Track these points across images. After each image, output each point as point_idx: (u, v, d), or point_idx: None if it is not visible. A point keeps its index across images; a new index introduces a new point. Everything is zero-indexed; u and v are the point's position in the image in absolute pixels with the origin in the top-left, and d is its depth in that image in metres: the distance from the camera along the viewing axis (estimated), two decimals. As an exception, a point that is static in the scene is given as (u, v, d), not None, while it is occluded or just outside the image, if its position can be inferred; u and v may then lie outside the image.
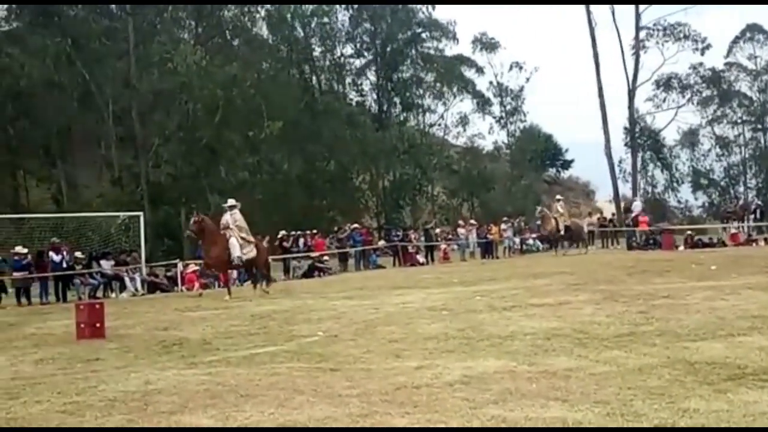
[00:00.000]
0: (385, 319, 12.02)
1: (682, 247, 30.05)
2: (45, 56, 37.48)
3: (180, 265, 24.73)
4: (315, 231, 30.28)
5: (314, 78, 48.26)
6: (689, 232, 32.80)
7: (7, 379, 8.57)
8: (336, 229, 31.82)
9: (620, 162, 49.93)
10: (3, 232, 24.24)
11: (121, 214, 27.99)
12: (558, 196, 32.13)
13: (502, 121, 54.20)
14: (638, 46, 47.90)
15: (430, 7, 50.39)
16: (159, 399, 7.06)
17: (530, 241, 34.97)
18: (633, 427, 5.69)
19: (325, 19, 46.16)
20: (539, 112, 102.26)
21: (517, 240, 34.36)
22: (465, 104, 53.95)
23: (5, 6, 41.83)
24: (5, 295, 21.85)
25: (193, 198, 38.53)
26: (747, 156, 53.78)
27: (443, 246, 32.13)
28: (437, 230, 33.59)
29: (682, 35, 49.65)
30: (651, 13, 50.51)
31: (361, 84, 51.42)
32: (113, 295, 22.72)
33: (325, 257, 28.22)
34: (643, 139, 51.44)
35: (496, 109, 54.00)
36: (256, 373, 8.11)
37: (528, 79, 52.90)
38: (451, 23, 51.01)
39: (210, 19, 41.92)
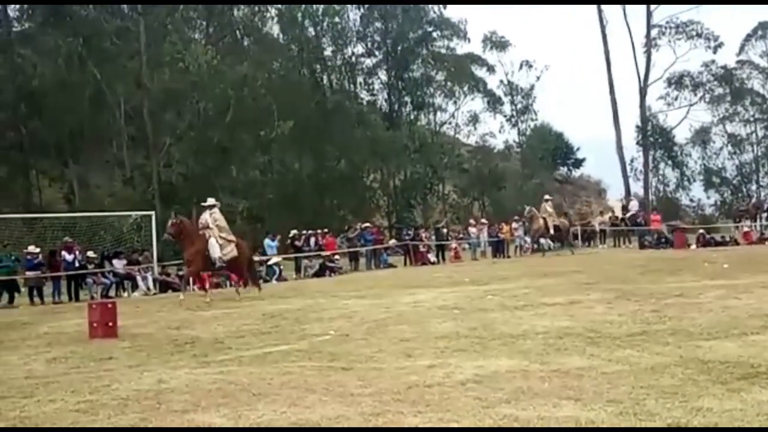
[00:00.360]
0: (397, 318, 12.02)
1: (694, 246, 29.92)
2: (57, 56, 37.72)
3: (191, 264, 24.74)
4: (326, 230, 30.29)
5: (325, 77, 48.29)
6: (701, 231, 32.66)
7: (20, 378, 8.61)
8: (346, 228, 31.80)
9: (632, 160, 49.87)
10: (16, 232, 24.38)
11: (132, 213, 28.11)
12: (546, 196, 31.96)
13: (512, 119, 54.13)
14: (650, 44, 47.81)
15: (441, 6, 50.41)
16: (172, 398, 7.09)
17: (542, 240, 34.85)
18: (646, 426, 5.67)
19: (336, 19, 46.17)
20: (550, 110, 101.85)
21: (528, 239, 34.25)
22: (476, 103, 53.97)
23: (17, 6, 42.09)
24: (18, 295, 21.96)
25: (204, 197, 38.57)
26: (759, 154, 53.46)
27: (454, 245, 32.10)
28: (443, 226, 33.38)
29: (694, 33, 49.48)
30: (663, 11, 50.25)
31: (372, 83, 51.46)
32: (125, 294, 22.79)
33: (336, 256, 28.23)
34: (655, 137, 51.26)
35: (506, 107, 53.98)
36: (268, 372, 8.13)
37: (538, 78, 52.83)
38: (462, 22, 51.09)
39: (221, 18, 42.04)
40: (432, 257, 30.72)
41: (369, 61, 51.12)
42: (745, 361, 7.60)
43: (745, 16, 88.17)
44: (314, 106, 42.99)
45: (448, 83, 51.99)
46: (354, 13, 48.99)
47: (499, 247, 32.46)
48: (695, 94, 52.42)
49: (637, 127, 49.72)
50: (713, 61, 51.68)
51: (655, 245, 31.01)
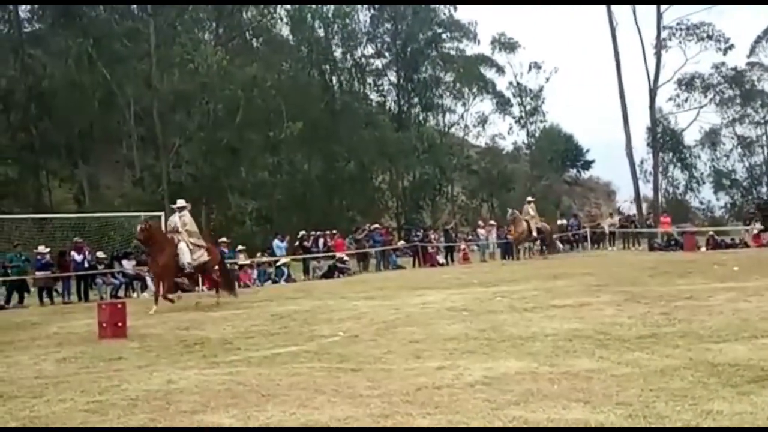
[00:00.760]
0: (406, 320, 12.01)
1: (704, 248, 29.83)
2: (67, 57, 37.86)
3: (201, 265, 24.78)
4: (335, 231, 30.31)
5: (334, 78, 48.34)
6: (711, 233, 32.54)
7: (30, 378, 8.64)
8: (354, 229, 31.82)
9: (642, 162, 49.71)
10: (26, 232, 24.42)
11: (142, 214, 28.06)
12: (529, 198, 31.84)
13: (521, 121, 54.09)
14: (660, 46, 47.67)
15: (451, 7, 50.42)
16: (181, 398, 7.10)
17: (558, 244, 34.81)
18: (655, 428, 5.66)
19: (347, 20, 46.25)
20: (560, 112, 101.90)
21: (537, 241, 34.17)
22: (485, 104, 53.99)
23: (28, 7, 42.28)
24: (28, 295, 22.05)
25: (213, 198, 38.76)
26: (769, 156, 53.32)
27: (463, 246, 32.06)
28: (452, 228, 33.33)
29: (704, 35, 49.33)
30: (673, 13, 50.18)
31: (381, 84, 51.51)
32: (135, 294, 22.83)
33: (345, 257, 28.23)
34: (664, 139, 51.13)
35: (515, 109, 53.96)
36: (277, 373, 8.13)
37: (548, 79, 52.82)
38: (472, 24, 51.08)
39: (230, 19, 42.11)
40: (441, 259, 30.70)
41: (378, 62, 51.26)
42: (755, 364, 7.56)
43: (755, 18, 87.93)
44: (323, 107, 43.08)
45: (457, 84, 51.99)
46: (364, 15, 49.12)
47: (507, 249, 32.39)
48: (705, 96, 52.29)
49: (648, 129, 49.58)
50: (723, 63, 51.57)
51: (665, 247, 30.93)
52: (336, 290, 18.89)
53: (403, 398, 6.74)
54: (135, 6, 42.67)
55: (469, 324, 11.07)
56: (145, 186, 38.75)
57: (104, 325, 11.74)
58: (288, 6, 44.94)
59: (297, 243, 28.04)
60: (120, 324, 11.76)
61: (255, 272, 25.59)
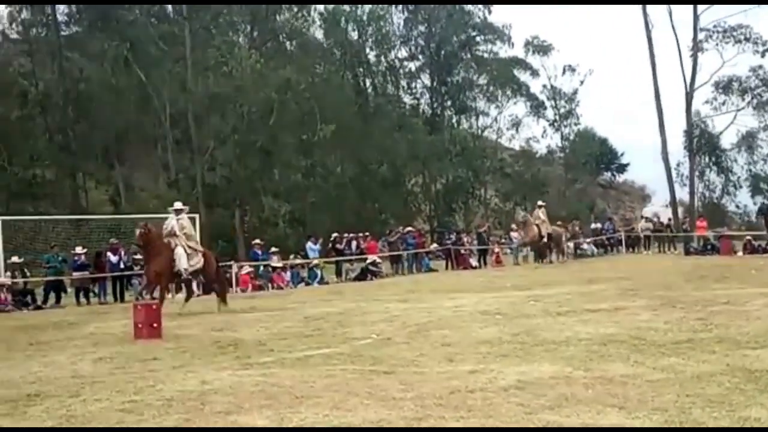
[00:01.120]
0: (438, 323, 11.99)
1: (741, 253, 29.44)
2: (104, 60, 38.33)
3: (235, 267, 25.00)
4: (367, 234, 30.33)
5: (367, 81, 48.43)
6: (748, 238, 32.09)
7: (67, 377, 8.74)
8: (387, 231, 31.83)
9: (678, 165, 49.13)
10: (63, 233, 24.77)
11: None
12: (540, 203, 31.52)
13: (555, 124, 53.77)
14: (696, 49, 47.08)
15: (485, 10, 50.27)
16: (215, 399, 7.13)
17: (584, 246, 34.58)
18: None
19: (381, 23, 46.35)
20: (594, 115, 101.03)
21: (571, 244, 33.99)
22: (518, 107, 53.72)
23: (66, 10, 42.87)
24: (65, 295, 22.34)
25: (247, 200, 38.99)
26: (808, 160, 52.37)
27: (496, 249, 31.94)
28: (485, 231, 33.10)
29: (742, 37, 48.61)
30: (709, 15, 49.53)
31: (415, 87, 51.51)
32: (169, 295, 22.97)
33: (378, 260, 28.24)
34: (701, 142, 50.50)
35: (549, 112, 53.64)
36: (311, 374, 8.14)
37: (582, 82, 52.42)
38: (506, 27, 50.88)
39: (265, 23, 42.34)
40: (474, 262, 30.61)
41: (412, 65, 51.25)
42: (794, 370, 7.46)
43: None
44: (356, 109, 43.17)
45: (491, 87, 51.84)
46: (398, 17, 49.18)
47: (541, 253, 32.17)
48: (743, 99, 51.50)
49: (685, 132, 48.98)
50: (761, 66, 50.73)
51: (701, 252, 30.58)
52: (369, 293, 18.91)
53: (436, 401, 6.72)
54: (171, 9, 43.08)
55: (503, 327, 11.02)
56: (180, 188, 39.06)
57: (140, 325, 11.84)
58: (321, 8, 45.18)
59: (330, 245, 28.11)
60: (155, 325, 11.86)
61: (288, 274, 25.70)
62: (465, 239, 32.16)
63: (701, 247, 31.55)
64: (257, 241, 28.05)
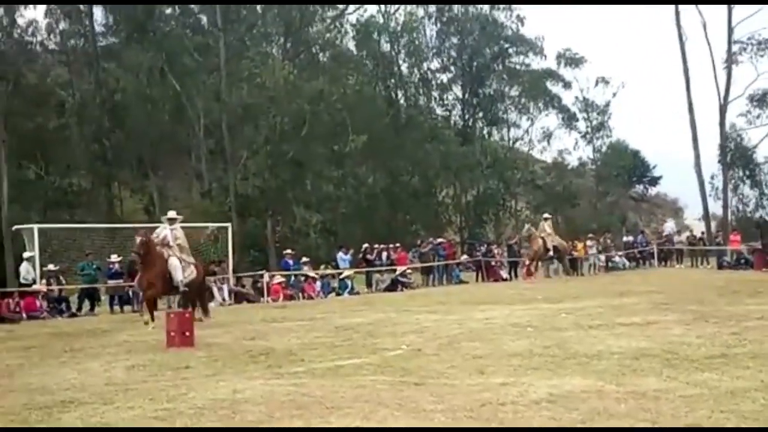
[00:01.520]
0: (469, 335, 11.96)
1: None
2: (139, 71, 38.79)
3: (266, 276, 25.14)
4: (398, 245, 30.34)
5: (399, 92, 48.53)
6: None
7: (100, 385, 8.84)
8: (419, 242, 31.80)
9: (712, 178, 48.64)
10: (98, 242, 25.05)
11: (209, 225, 28.58)
12: (545, 215, 31.26)
13: (587, 136, 53.46)
14: (730, 61, 46.67)
15: (518, 22, 50.20)
16: (246, 408, 7.18)
17: (616, 259, 34.34)
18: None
19: (413, 35, 46.51)
20: (626, 127, 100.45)
21: (603, 257, 33.77)
22: (550, 119, 53.51)
23: (103, 21, 43.52)
24: (99, 303, 22.59)
25: (279, 210, 39.19)
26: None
27: (527, 262, 31.77)
28: (516, 243, 32.85)
29: (777, 49, 48.06)
30: (744, 27, 48.99)
31: (446, 98, 51.52)
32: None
33: (408, 271, 28.23)
34: (735, 155, 49.95)
35: (581, 124, 53.35)
36: (341, 385, 8.17)
37: (615, 94, 52.10)
38: (539, 39, 50.76)
39: (298, 34, 42.64)
40: (504, 274, 30.49)
41: (444, 77, 51.26)
42: (830, 387, 7.36)
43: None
44: (388, 120, 43.25)
45: (523, 99, 51.71)
46: (430, 29, 49.28)
47: (572, 265, 32.03)
48: (778, 112, 50.82)
49: (720, 146, 48.47)
50: (796, 79, 50.05)
51: (734, 266, 30.21)
52: (399, 303, 18.91)
53: (467, 414, 6.71)
54: (206, 21, 43.54)
55: (534, 340, 10.97)
56: (213, 197, 39.39)
57: (172, 333, 11.94)
58: (354, 20, 45.45)
59: (360, 256, 28.16)
60: (187, 333, 11.95)
61: (319, 284, 25.77)
62: (495, 251, 32.05)
63: (734, 261, 31.17)
64: (288, 251, 28.18)
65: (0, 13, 38.59)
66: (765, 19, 46.59)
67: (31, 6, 41.11)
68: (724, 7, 45.54)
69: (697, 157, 44.38)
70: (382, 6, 46.06)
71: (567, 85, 52.22)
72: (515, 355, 9.76)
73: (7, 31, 39.48)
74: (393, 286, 26.51)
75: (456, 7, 49.15)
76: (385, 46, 46.75)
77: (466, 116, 51.35)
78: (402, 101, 48.25)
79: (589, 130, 53.27)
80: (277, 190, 37.86)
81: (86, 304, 22.18)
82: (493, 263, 30.69)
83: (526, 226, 30.15)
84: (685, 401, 6.96)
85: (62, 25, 43.47)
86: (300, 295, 24.80)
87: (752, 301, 15.38)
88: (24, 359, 11.42)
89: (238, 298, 24.15)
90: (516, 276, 30.56)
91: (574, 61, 51.69)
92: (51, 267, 22.35)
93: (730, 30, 46.42)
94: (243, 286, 25.08)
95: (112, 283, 22.68)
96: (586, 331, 11.75)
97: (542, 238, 28.27)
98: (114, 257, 22.89)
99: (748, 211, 51.98)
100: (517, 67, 51.52)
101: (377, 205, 42.28)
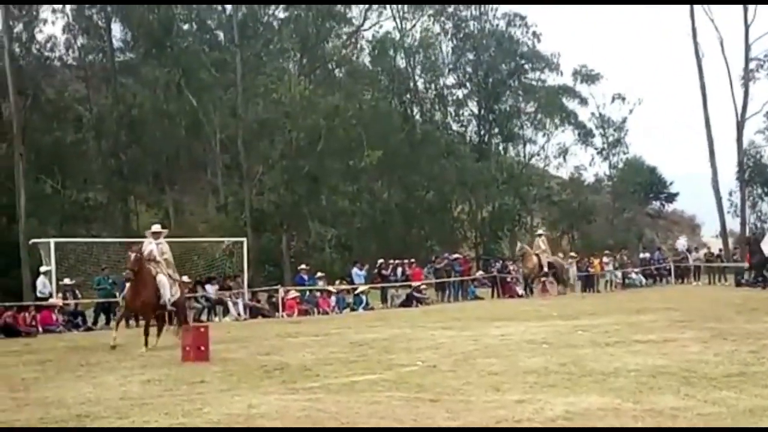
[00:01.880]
0: (484, 351, 11.92)
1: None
2: (156, 86, 39.05)
3: (281, 291, 25.16)
4: (413, 260, 30.31)
5: (415, 108, 48.59)
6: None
7: (116, 399, 8.85)
8: (434, 258, 31.75)
9: (730, 195, 48.39)
10: (114, 256, 25.13)
11: (225, 239, 28.66)
12: (539, 231, 31.17)
13: (604, 152, 53.30)
14: (748, 78, 46.50)
15: (534, 39, 50.23)
16: (261, 423, 7.18)
17: (632, 276, 34.20)
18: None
19: (429, 51, 46.62)
20: (643, 143, 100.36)
21: (619, 274, 33.64)
22: (566, 135, 53.38)
23: (121, 37, 43.86)
24: (114, 317, 22.60)
25: (294, 225, 39.25)
26: None
27: (543, 278, 31.66)
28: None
29: (795, 67, 47.85)
30: (761, 44, 48.98)
31: (462, 114, 51.53)
32: (216, 318, 23.20)
33: (423, 286, 28.20)
34: (753, 172, 49.70)
35: (597, 140, 53.20)
36: (356, 401, 8.15)
37: (631, 111, 51.94)
38: (554, 55, 50.75)
39: (314, 50, 42.81)
40: (520, 290, 30.38)
41: (460, 92, 51.29)
42: None
43: None
44: (403, 136, 43.27)
45: (539, 115, 51.64)
46: (446, 45, 49.37)
47: (588, 282, 31.92)
48: (796, 129, 50.54)
49: (738, 162, 48.24)
50: (814, 95, 49.90)
51: (752, 284, 29.98)
52: (414, 319, 18.88)
53: (482, 431, 6.68)
54: (223, 36, 43.80)
55: (550, 357, 10.92)
56: (229, 212, 39.50)
57: (187, 348, 11.97)
58: (370, 36, 45.60)
59: (375, 271, 28.15)
60: (202, 348, 11.97)
61: (334, 299, 25.78)
62: (511, 267, 31.98)
63: (753, 279, 30.93)
64: (303, 266, 28.20)
65: (20, 29, 38.91)
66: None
67: (50, 22, 41.43)
68: (740, 24, 45.37)
69: (715, 173, 44.15)
70: (398, 22, 46.23)
71: (583, 101, 52.10)
72: (531, 372, 9.71)
73: (26, 46, 39.79)
74: (408, 302, 26.48)
75: (472, 24, 49.28)
76: (401, 62, 46.86)
77: (482, 132, 51.30)
78: (417, 117, 48.26)
79: (606, 146, 53.09)
80: (292, 205, 37.91)
81: (102, 318, 22.23)
82: (508, 279, 30.60)
83: (519, 244, 30.09)
84: (703, 419, 6.91)
85: (80, 41, 43.77)
86: (315, 310, 24.82)
87: (770, 318, 15.26)
88: (40, 373, 11.45)
89: (253, 312, 24.18)
90: (531, 292, 30.44)
91: (591, 78, 51.61)
92: (67, 281, 22.47)
93: (747, 47, 46.27)
94: (258, 301, 25.13)
95: (128, 297, 22.70)
96: (603, 348, 11.68)
97: (537, 255, 28.19)
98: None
99: (767, 228, 51.67)
100: (533, 83, 51.48)
101: (392, 220, 42.25)
